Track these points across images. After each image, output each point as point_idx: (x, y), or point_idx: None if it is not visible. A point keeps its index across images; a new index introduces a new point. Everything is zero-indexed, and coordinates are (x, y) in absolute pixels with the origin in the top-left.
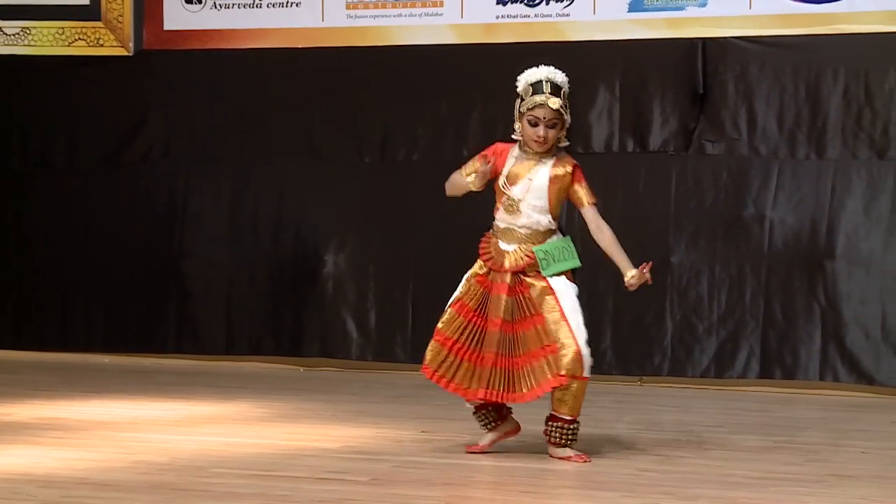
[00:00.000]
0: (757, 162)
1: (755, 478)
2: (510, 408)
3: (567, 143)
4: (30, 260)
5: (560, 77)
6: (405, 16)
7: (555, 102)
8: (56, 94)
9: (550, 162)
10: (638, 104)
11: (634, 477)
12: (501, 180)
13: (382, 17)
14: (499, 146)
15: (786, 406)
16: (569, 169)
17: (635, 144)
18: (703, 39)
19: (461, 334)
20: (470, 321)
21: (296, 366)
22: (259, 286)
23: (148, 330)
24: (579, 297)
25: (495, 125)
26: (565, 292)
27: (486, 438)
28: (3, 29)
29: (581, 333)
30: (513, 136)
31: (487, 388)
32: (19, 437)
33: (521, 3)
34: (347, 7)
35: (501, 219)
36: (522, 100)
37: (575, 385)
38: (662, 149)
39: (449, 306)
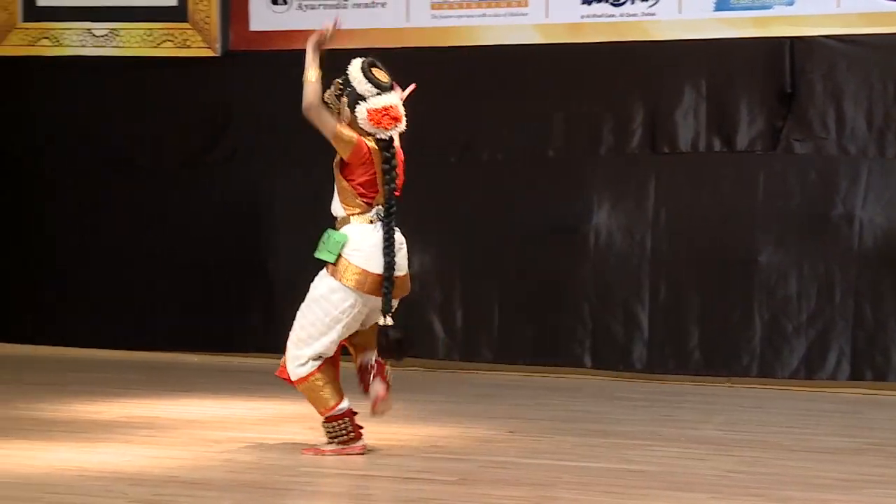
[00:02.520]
0: (845, 161)
1: (844, 479)
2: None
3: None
4: (115, 260)
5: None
6: (489, 15)
7: None
8: (143, 95)
9: None
10: (724, 104)
11: (721, 478)
12: None
13: (467, 17)
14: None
15: (876, 408)
16: None
17: (722, 144)
18: (791, 38)
19: None
20: None
21: None
22: None
23: (233, 329)
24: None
25: (580, 124)
26: (316, 283)
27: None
28: (92, 31)
29: (296, 331)
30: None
31: None
32: (110, 435)
33: (606, 2)
34: (432, 7)
35: None
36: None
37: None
38: (749, 148)
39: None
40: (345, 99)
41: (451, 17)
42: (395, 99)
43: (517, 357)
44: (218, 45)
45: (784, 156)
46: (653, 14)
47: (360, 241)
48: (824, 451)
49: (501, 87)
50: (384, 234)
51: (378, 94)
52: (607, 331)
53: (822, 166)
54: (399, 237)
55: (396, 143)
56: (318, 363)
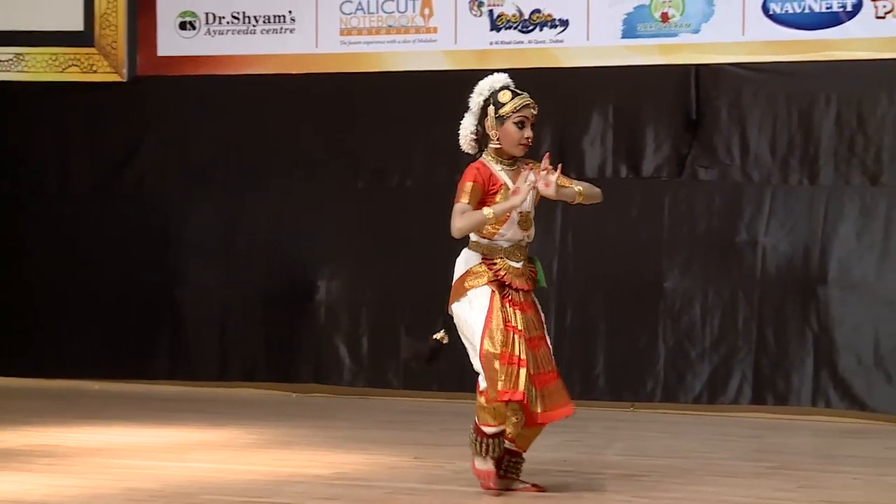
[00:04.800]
0: (750, 188)
1: (747, 503)
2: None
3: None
4: (23, 286)
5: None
6: (399, 42)
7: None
8: (49, 121)
9: (518, 166)
10: (631, 130)
11: (626, 503)
12: (505, 197)
13: (376, 42)
14: (479, 167)
15: (778, 432)
16: (531, 166)
17: (629, 170)
18: (696, 66)
19: (516, 348)
20: (513, 334)
21: (288, 392)
22: (252, 312)
23: (141, 356)
24: None
25: None
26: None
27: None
28: None
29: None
30: (487, 147)
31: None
32: (11, 463)
33: (514, 28)
34: (341, 33)
35: (509, 237)
36: (499, 106)
37: None
38: (656, 174)
39: (484, 326)
40: None
41: (360, 42)
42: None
43: (424, 383)
44: (125, 71)
45: (689, 182)
46: (561, 41)
47: None
48: (727, 474)
49: (411, 112)
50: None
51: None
52: None
53: (727, 193)
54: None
55: None
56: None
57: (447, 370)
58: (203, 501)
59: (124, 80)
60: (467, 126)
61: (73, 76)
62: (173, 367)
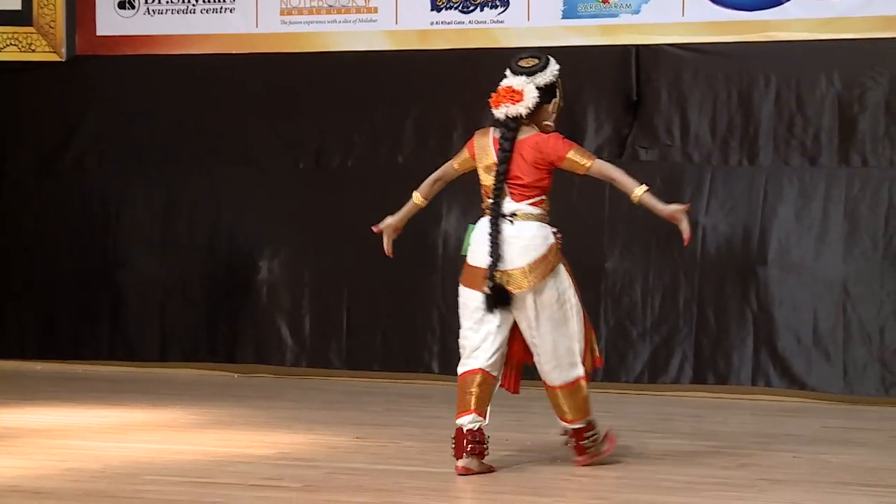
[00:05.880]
0: (690, 168)
1: (688, 482)
2: None
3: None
4: None
5: None
6: (339, 22)
7: None
8: None
9: None
10: (572, 111)
11: (568, 481)
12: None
13: (316, 23)
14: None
15: (718, 411)
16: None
17: None
18: (637, 46)
19: None
20: None
21: (230, 372)
22: (193, 293)
23: (82, 337)
24: None
25: (430, 131)
26: None
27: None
28: None
29: None
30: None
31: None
32: None
33: (455, 9)
34: (281, 13)
35: None
36: (561, 92)
37: None
38: (597, 155)
39: (579, 298)
40: None
41: (300, 22)
42: (518, 81)
43: (366, 364)
44: (64, 50)
45: (630, 163)
46: (501, 21)
47: (476, 234)
48: (668, 454)
49: (351, 93)
50: (491, 225)
51: (510, 76)
52: (457, 337)
53: (667, 173)
54: (513, 230)
55: (528, 136)
56: (469, 367)
57: (390, 350)
58: (144, 482)
59: (63, 60)
60: (531, 91)
61: (11, 56)
62: (114, 347)
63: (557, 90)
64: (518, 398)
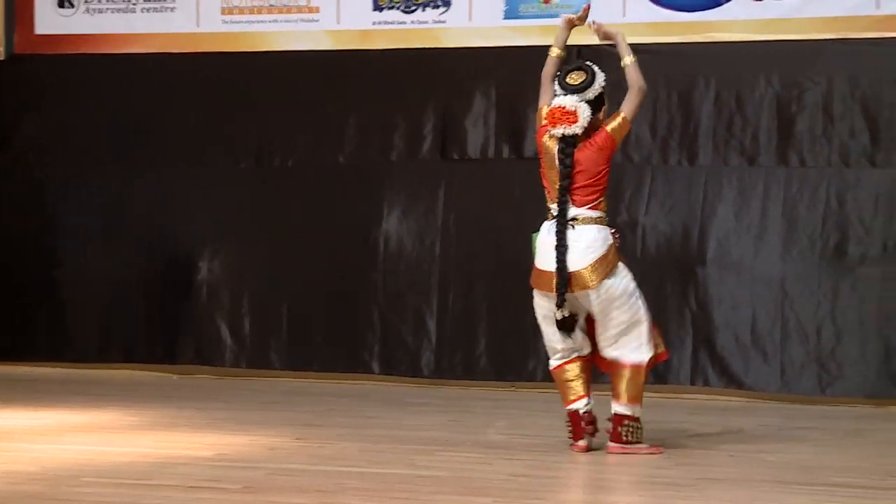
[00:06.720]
0: (630, 168)
1: (627, 482)
2: None
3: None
4: None
5: None
6: (281, 21)
7: None
8: None
9: None
10: (513, 111)
11: (507, 481)
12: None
13: (258, 22)
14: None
15: (657, 410)
16: None
17: (511, 151)
18: (578, 46)
19: None
20: None
21: (169, 373)
22: (133, 293)
23: (21, 338)
24: None
25: (371, 131)
26: None
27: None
28: None
29: None
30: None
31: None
32: None
33: (397, 9)
34: (223, 12)
35: None
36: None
37: None
38: (538, 155)
39: (642, 296)
40: None
41: (241, 22)
42: (570, 101)
43: (306, 364)
44: (2, 49)
45: None
46: (443, 21)
47: (541, 237)
48: (606, 452)
49: (293, 92)
50: (556, 232)
51: (562, 94)
52: (397, 337)
53: None
54: (575, 234)
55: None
56: (559, 360)
57: (330, 350)
58: (84, 483)
59: (2, 59)
60: (584, 110)
61: None
62: (53, 348)
63: (605, 97)
64: (460, 399)
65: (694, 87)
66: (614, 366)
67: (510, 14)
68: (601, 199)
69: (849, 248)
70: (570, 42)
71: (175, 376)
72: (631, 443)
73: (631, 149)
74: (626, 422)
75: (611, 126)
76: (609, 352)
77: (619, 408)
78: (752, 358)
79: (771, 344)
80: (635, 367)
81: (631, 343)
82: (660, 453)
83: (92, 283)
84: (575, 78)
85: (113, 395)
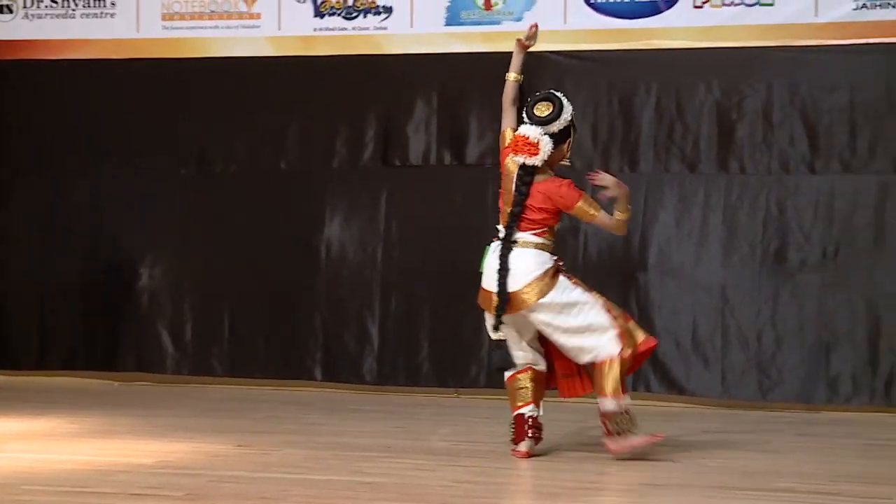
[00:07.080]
0: (571, 174)
1: (570, 487)
2: None
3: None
4: None
5: None
6: (222, 27)
7: None
8: None
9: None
10: (455, 117)
11: (450, 488)
12: None
13: (199, 28)
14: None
15: (597, 416)
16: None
17: (452, 157)
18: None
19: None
20: None
21: (110, 380)
22: (72, 299)
23: None
24: None
25: (313, 137)
26: None
27: None
28: None
29: None
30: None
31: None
32: None
33: (338, 15)
34: (163, 18)
35: None
36: (575, 132)
37: None
38: (479, 162)
39: (597, 297)
40: None
41: (182, 28)
42: (534, 133)
43: (248, 371)
44: None
45: None
46: (385, 28)
47: (487, 258)
48: (552, 459)
49: (234, 99)
50: (499, 255)
51: (528, 123)
52: (339, 344)
53: None
54: (514, 256)
55: (541, 178)
56: (512, 370)
57: (272, 357)
58: (22, 492)
59: None
60: (546, 143)
61: None
62: None
63: (572, 130)
64: (403, 406)
65: (635, 94)
66: (593, 368)
67: (451, 20)
68: (546, 230)
69: (789, 255)
70: (508, 49)
71: (116, 383)
72: (622, 433)
73: (573, 155)
74: (612, 417)
75: (579, 206)
76: (584, 359)
77: (603, 404)
78: (694, 364)
79: (712, 350)
80: (610, 362)
81: (598, 343)
82: (660, 438)
83: (31, 289)
84: (542, 109)
85: (53, 402)
